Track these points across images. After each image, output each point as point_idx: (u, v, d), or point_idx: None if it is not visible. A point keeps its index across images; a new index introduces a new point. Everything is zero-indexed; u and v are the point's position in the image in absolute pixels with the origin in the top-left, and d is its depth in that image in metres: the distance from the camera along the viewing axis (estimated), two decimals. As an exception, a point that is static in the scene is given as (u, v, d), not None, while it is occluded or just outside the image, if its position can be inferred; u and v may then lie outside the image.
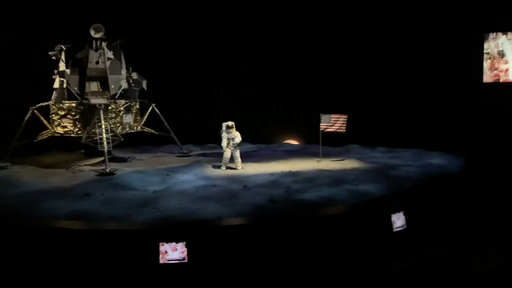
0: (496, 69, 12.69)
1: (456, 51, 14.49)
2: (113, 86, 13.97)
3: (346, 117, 13.70)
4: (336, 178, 11.84)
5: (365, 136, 16.51)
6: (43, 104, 14.27)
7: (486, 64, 12.59)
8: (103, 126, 13.28)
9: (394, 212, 9.39)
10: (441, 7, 15.21)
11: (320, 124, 13.99)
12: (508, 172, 11.56)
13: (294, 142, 19.12)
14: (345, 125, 13.70)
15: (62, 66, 13.97)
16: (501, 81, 12.72)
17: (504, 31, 12.69)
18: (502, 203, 10.36)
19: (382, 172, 12.58)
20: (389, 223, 9.32)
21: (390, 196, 10.54)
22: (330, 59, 17.27)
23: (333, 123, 13.83)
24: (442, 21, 15.33)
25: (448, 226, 9.73)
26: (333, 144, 15.82)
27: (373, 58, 16.78)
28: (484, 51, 12.25)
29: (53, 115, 14.16)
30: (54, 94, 14.19)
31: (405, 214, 9.46)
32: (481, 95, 13.00)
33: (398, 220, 9.42)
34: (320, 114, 13.99)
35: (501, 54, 12.60)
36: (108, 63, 13.84)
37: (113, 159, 14.44)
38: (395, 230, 9.35)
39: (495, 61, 12.48)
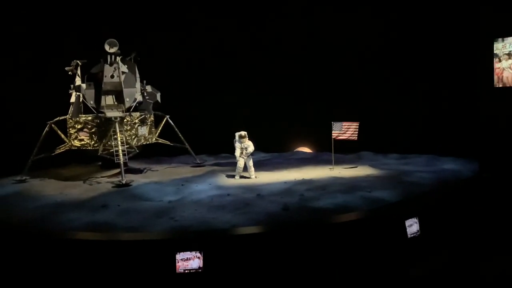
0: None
1: (467, 55, 14.48)
2: (128, 99, 14.21)
3: (358, 124, 13.75)
4: (349, 185, 11.89)
5: (377, 143, 16.53)
6: (61, 118, 14.58)
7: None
8: (118, 139, 13.51)
9: (408, 218, 9.42)
10: (451, 11, 15.25)
11: (332, 131, 14.07)
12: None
13: (306, 150, 19.20)
14: (357, 132, 13.75)
15: (78, 81, 14.26)
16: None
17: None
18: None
19: (395, 178, 12.59)
20: (404, 229, 9.34)
21: (404, 202, 10.55)
22: (342, 67, 17.37)
23: (345, 130, 13.89)
24: (452, 25, 15.35)
25: (462, 231, 9.71)
26: (345, 151, 15.87)
27: (385, 65, 16.83)
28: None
29: (70, 129, 14.43)
30: (71, 108, 14.48)
31: (419, 220, 9.48)
32: (493, 99, 13.00)
33: (413, 226, 9.44)
34: (332, 122, 14.08)
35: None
36: (122, 77, 14.09)
37: (129, 171, 14.65)
38: (409, 236, 9.37)
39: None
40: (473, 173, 12.99)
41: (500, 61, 12.70)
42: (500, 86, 12.78)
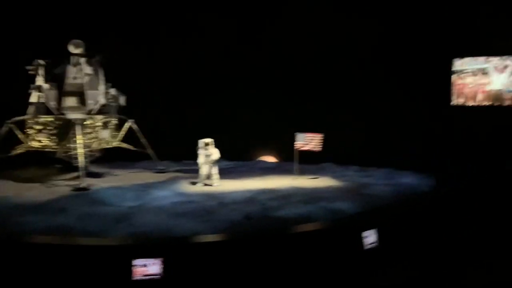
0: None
1: (425, 73, 14.98)
2: (90, 102, 14.02)
3: (322, 136, 14.00)
4: (311, 195, 12.05)
5: (339, 155, 16.83)
6: (19, 118, 14.20)
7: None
8: (79, 141, 13.28)
9: (366, 230, 9.62)
10: (411, 29, 15.74)
11: (296, 142, 14.25)
12: (477, 191, 11.95)
13: (270, 159, 19.32)
14: (321, 144, 14.00)
15: (39, 81, 13.94)
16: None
17: (471, 56, 13.32)
18: (472, 221, 10.68)
19: (355, 190, 12.86)
20: (362, 240, 9.53)
21: (363, 213, 10.78)
22: (306, 80, 17.63)
23: (308, 141, 14.12)
24: (412, 43, 15.85)
25: (419, 244, 9.98)
26: (308, 162, 16.07)
27: (347, 79, 17.18)
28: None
29: (29, 130, 14.07)
30: (31, 109, 14.14)
31: (377, 232, 9.70)
32: (450, 116, 13.53)
33: (370, 237, 9.65)
34: (296, 133, 14.26)
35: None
36: (86, 78, 13.89)
37: (89, 174, 14.37)
38: (366, 247, 9.56)
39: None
40: (430, 187, 13.38)
41: (461, 78, 13.22)
42: (459, 102, 13.31)
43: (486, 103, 13.12)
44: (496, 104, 13.07)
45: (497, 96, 12.97)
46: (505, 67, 12.79)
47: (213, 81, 18.13)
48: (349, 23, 16.68)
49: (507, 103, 12.97)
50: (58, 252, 8.29)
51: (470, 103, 13.31)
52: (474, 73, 13.08)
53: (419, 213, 11.07)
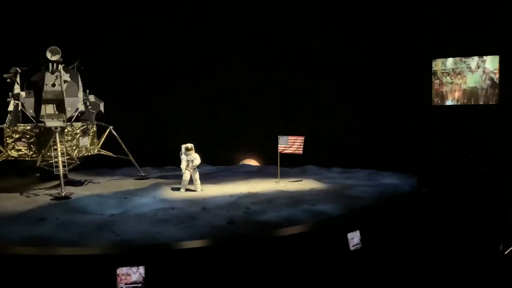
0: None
1: (407, 73, 15.13)
2: (69, 109, 13.84)
3: (303, 138, 14.05)
4: (294, 198, 12.07)
5: (321, 157, 16.90)
6: (-3, 126, 13.97)
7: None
8: (58, 149, 13.09)
9: (350, 231, 9.65)
10: (393, 29, 15.91)
11: (278, 145, 14.28)
12: (457, 190, 12.10)
13: (253, 163, 19.32)
14: (302, 146, 14.04)
15: (17, 89, 13.73)
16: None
17: (451, 56, 13.59)
18: (454, 221, 10.80)
19: (338, 192, 12.92)
20: (346, 242, 9.56)
21: (346, 215, 10.82)
22: (287, 81, 17.67)
23: (290, 144, 14.15)
24: (394, 43, 16.01)
25: (402, 244, 10.05)
26: (291, 165, 16.12)
27: (329, 80, 17.26)
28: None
29: (7, 138, 13.80)
30: (9, 117, 13.90)
31: (360, 233, 9.73)
32: (430, 116, 13.72)
33: (354, 239, 9.68)
34: (278, 136, 14.29)
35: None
36: (64, 85, 13.71)
37: (69, 183, 14.20)
38: (351, 248, 9.60)
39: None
40: (411, 187, 13.50)
41: (439, 78, 13.54)
42: (439, 103, 13.60)
43: (463, 101, 13.52)
44: (472, 102, 13.52)
45: (472, 94, 13.49)
46: (478, 66, 13.29)
47: (194, 85, 18.07)
48: (330, 26, 16.80)
49: (482, 100, 13.46)
50: (38, 263, 8.14)
51: (449, 103, 13.64)
52: (451, 73, 13.48)
53: (402, 213, 11.18)
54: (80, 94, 14.23)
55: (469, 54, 13.42)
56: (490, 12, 12.96)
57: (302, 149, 14.05)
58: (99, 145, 15.16)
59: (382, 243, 9.93)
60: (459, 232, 10.28)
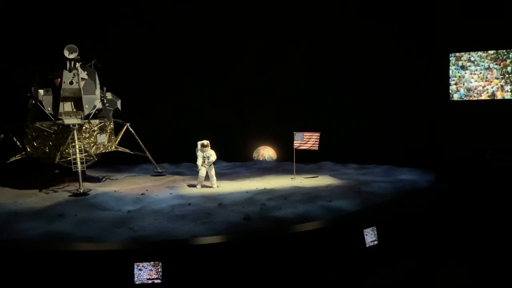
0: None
1: (424, 69, 14.94)
2: (87, 106, 13.96)
3: (319, 135, 13.99)
4: (310, 194, 12.03)
5: (337, 153, 16.81)
6: (16, 124, 14.14)
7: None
8: (77, 146, 13.24)
9: (367, 228, 9.60)
10: (411, 23, 15.71)
11: (294, 142, 14.24)
12: (475, 187, 11.93)
13: (269, 149, 19.06)
14: (317, 142, 13.99)
15: (35, 87, 13.88)
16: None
17: (468, 50, 13.34)
18: (471, 218, 10.66)
19: (354, 188, 12.83)
20: (362, 238, 9.52)
21: (363, 211, 10.76)
22: (303, 78, 17.60)
23: (306, 140, 14.10)
24: (410, 39, 15.81)
25: (420, 241, 9.96)
26: (306, 161, 16.06)
27: (345, 76, 17.14)
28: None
29: (26, 136, 14.01)
30: (28, 115, 14.08)
31: (377, 229, 9.68)
32: (449, 112, 13.50)
33: (371, 235, 9.63)
34: (294, 132, 14.25)
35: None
36: (82, 83, 13.84)
37: (87, 179, 14.37)
38: (368, 245, 9.55)
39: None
40: (429, 183, 13.35)
41: (458, 72, 13.31)
42: (458, 97, 13.37)
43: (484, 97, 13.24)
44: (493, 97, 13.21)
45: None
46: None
47: (210, 82, 18.10)
48: (345, 21, 16.66)
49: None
50: (57, 258, 8.26)
51: (470, 98, 13.37)
52: (473, 67, 13.21)
53: (419, 209, 11.07)
54: (98, 91, 14.34)
55: (486, 48, 13.17)
56: (508, 6, 12.71)
57: (317, 145, 14.00)
58: (117, 142, 15.29)
59: (399, 240, 9.85)
60: (478, 229, 10.15)
